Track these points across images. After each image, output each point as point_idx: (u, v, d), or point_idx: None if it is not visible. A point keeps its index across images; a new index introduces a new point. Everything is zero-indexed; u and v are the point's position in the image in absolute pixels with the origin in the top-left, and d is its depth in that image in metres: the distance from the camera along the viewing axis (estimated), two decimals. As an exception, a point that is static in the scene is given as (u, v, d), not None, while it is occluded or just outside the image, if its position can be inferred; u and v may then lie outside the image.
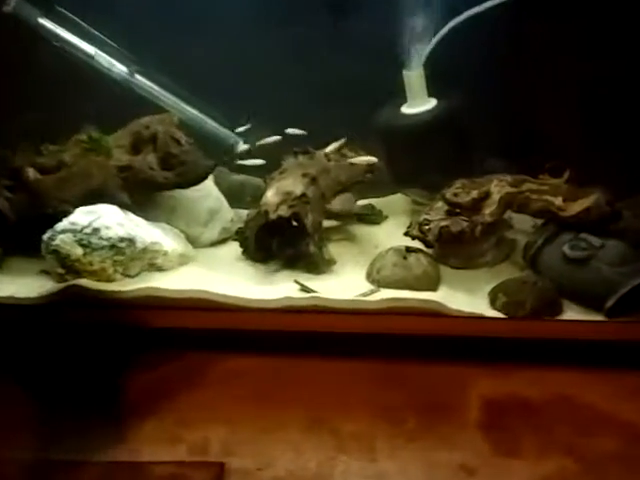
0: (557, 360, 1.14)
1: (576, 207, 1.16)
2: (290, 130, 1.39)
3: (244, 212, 1.42)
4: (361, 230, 1.47)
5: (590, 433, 1.05)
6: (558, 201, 1.19)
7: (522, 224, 1.36)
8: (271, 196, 1.25)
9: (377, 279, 1.25)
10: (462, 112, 1.40)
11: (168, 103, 1.51)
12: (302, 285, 1.24)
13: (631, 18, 1.32)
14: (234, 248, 1.38)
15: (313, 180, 1.31)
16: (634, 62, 1.33)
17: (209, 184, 1.45)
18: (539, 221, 1.29)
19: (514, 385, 1.14)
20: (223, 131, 1.53)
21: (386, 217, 1.50)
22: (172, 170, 1.32)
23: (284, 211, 1.24)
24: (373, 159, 1.35)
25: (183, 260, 1.33)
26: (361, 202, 1.54)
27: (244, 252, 1.36)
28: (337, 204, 1.41)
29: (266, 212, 1.25)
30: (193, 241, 1.40)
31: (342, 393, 1.14)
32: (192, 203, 1.41)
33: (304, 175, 1.31)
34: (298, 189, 1.27)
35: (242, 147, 1.48)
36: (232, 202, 1.49)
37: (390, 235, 1.42)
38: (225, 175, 1.53)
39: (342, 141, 1.37)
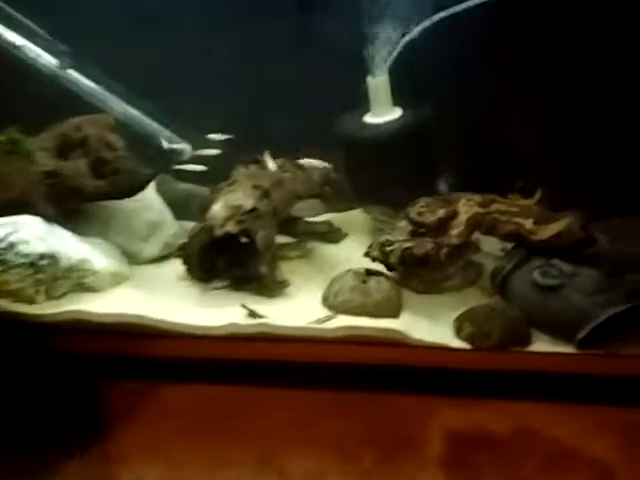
0: (524, 393, 1.08)
1: (548, 231, 1.10)
2: (212, 135, 1.28)
3: (190, 225, 1.30)
4: (318, 248, 1.37)
5: (556, 470, 1.00)
6: (529, 224, 1.12)
7: (490, 247, 1.29)
8: (218, 210, 1.14)
9: (334, 304, 1.16)
10: (429, 124, 1.33)
11: (105, 102, 1.37)
12: (250, 310, 1.14)
13: (602, 29, 1.27)
14: (177, 266, 1.27)
15: (265, 193, 1.22)
16: (610, 72, 1.28)
17: (150, 194, 1.33)
18: (509, 244, 1.22)
19: (479, 418, 1.08)
20: (168, 134, 1.41)
21: (345, 235, 1.40)
22: (104, 178, 1.20)
23: (232, 227, 1.14)
24: (325, 164, 1.26)
25: (117, 280, 1.22)
26: (318, 218, 1.44)
27: (188, 271, 1.25)
28: (302, 210, 1.33)
29: (211, 227, 1.15)
30: (131, 258, 1.28)
31: (292, 428, 1.07)
32: (130, 215, 1.29)
33: (255, 187, 1.22)
34: (248, 203, 1.17)
35: (185, 151, 1.36)
36: (177, 214, 1.37)
37: (349, 255, 1.33)
38: (170, 184, 1.41)
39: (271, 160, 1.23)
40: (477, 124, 1.35)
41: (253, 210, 1.16)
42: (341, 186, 1.37)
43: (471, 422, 1.07)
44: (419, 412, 1.08)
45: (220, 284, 1.20)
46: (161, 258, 1.32)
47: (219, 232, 1.12)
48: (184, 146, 1.38)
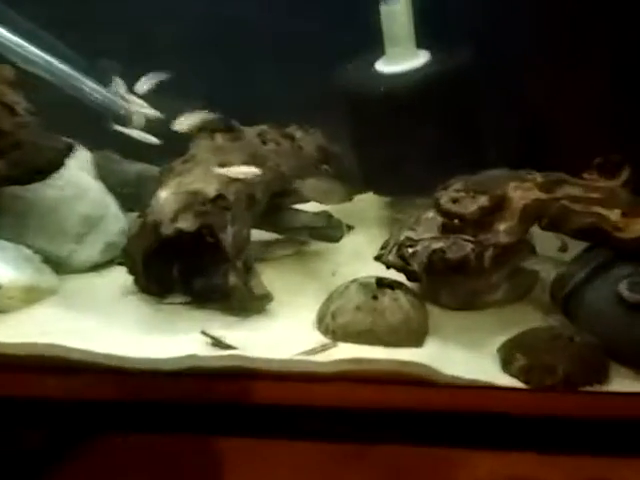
0: (600, 445, 0.80)
1: None
2: (135, 133, 0.97)
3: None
4: (312, 249, 1.07)
5: None
6: (614, 215, 0.81)
7: (544, 246, 0.98)
8: (166, 198, 0.84)
9: (333, 328, 0.87)
10: (467, 74, 0.99)
11: (26, 57, 1.05)
12: (213, 337, 0.85)
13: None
14: (123, 275, 0.98)
15: None
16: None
17: (84, 178, 1.03)
18: (571, 245, 0.92)
19: (524, 470, 0.83)
20: (111, 97, 1.09)
21: (350, 229, 1.08)
22: (1, 155, 0.88)
23: (188, 222, 0.84)
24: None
25: (33, 296, 0.93)
26: (310, 206, 1.11)
27: (135, 282, 0.95)
28: (311, 192, 1.02)
29: (157, 224, 0.85)
30: (59, 265, 1.00)
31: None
32: (55, 208, 1.00)
33: (222, 165, 0.91)
34: (211, 188, 0.87)
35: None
36: (125, 203, 1.07)
37: (355, 257, 1.04)
38: (114, 163, 1.09)
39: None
40: (536, 75, 1.02)
41: (218, 198, 0.86)
42: (344, 163, 1.07)
43: (513, 475, 0.84)
44: (450, 469, 0.86)
45: (177, 299, 0.91)
46: (102, 264, 1.02)
47: (167, 230, 0.82)
48: (152, 112, 1.04)
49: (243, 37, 1.09)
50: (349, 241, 1.10)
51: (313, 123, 1.04)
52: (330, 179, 1.04)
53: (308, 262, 1.06)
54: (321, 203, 1.07)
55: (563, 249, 0.97)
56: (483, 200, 0.86)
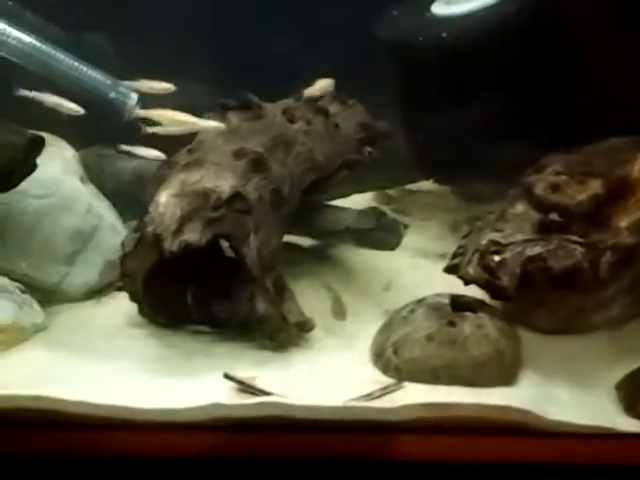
0: None
1: None
2: (124, 147, 0.79)
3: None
4: (362, 255, 0.87)
5: None
6: None
7: None
8: (167, 203, 0.67)
9: (396, 364, 0.70)
10: (553, 12, 0.75)
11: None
12: (241, 382, 0.68)
13: None
14: (128, 302, 0.80)
15: (258, 163, 0.73)
16: None
17: (70, 182, 0.85)
18: None
19: None
20: (108, 84, 0.90)
21: (406, 227, 0.88)
22: None
23: (196, 234, 0.67)
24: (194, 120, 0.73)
25: (16, 337, 0.77)
26: (351, 201, 0.93)
27: (140, 311, 0.77)
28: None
29: (157, 238, 0.68)
30: (48, 293, 0.83)
31: None
32: (37, 222, 0.84)
33: (239, 154, 0.73)
34: (225, 184, 0.70)
35: (132, 101, 0.87)
36: (126, 211, 0.89)
37: (413, 263, 0.86)
38: (107, 162, 0.91)
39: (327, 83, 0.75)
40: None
41: (234, 197, 0.68)
42: (394, 145, 0.88)
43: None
44: None
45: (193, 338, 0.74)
46: (101, 289, 0.85)
47: (171, 246, 0.65)
48: (132, 95, 0.90)
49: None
50: (404, 243, 0.89)
51: (353, 92, 0.84)
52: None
53: (353, 272, 0.88)
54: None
55: None
56: (595, 185, 0.66)
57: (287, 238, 0.87)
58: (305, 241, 0.91)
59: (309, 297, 0.82)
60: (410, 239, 0.90)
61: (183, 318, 0.77)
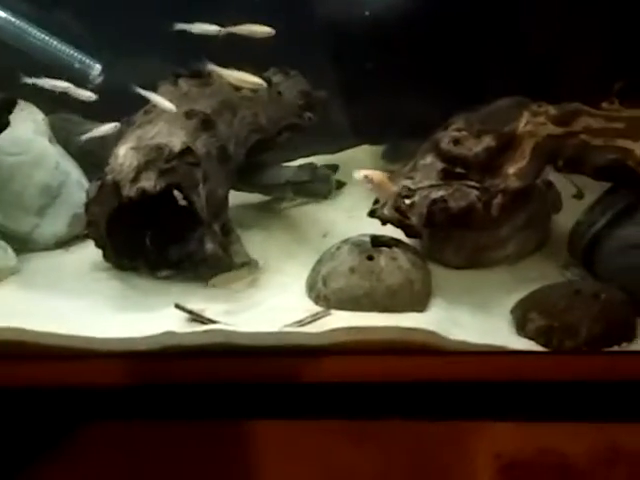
0: (629, 410, 0.73)
1: None
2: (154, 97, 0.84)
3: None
4: (304, 210, 0.99)
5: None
6: None
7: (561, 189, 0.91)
8: (125, 155, 0.76)
9: (325, 295, 0.80)
10: None
11: None
12: (190, 311, 0.78)
13: None
14: (93, 249, 0.90)
15: (206, 123, 0.82)
16: None
17: (40, 142, 0.94)
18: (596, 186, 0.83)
19: (549, 441, 0.76)
20: (71, 53, 0.97)
21: (342, 185, 1.00)
22: None
23: (151, 182, 0.76)
24: (259, 81, 0.82)
25: None
26: (298, 162, 1.04)
27: (104, 255, 0.87)
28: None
29: (116, 185, 0.77)
30: (20, 242, 0.92)
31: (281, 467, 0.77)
32: (11, 177, 0.92)
33: (189, 115, 0.82)
34: (176, 140, 0.79)
35: (96, 71, 0.93)
36: (91, 170, 0.96)
37: (348, 215, 0.96)
38: (73, 126, 0.99)
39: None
40: None
41: (185, 152, 0.77)
42: (330, 110, 0.98)
43: (536, 445, 0.77)
44: (461, 441, 0.77)
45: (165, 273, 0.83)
46: (70, 239, 0.94)
47: (129, 191, 0.74)
48: (96, 66, 0.96)
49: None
50: (341, 198, 1.02)
51: (294, 64, 0.94)
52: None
53: (296, 223, 0.99)
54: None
55: (579, 196, 0.89)
56: (489, 140, 0.78)
57: (238, 194, 0.96)
58: (255, 198, 1.00)
59: (255, 243, 0.91)
60: (345, 194, 1.01)
61: (143, 261, 0.85)
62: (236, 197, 0.96)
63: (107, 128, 0.87)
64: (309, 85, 0.95)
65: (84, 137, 0.90)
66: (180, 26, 0.86)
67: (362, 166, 1.04)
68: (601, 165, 0.77)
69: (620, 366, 0.77)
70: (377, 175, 0.75)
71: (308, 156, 1.06)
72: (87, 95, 0.87)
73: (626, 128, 0.77)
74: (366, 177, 0.75)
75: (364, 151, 1.07)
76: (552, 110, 0.79)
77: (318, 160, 1.06)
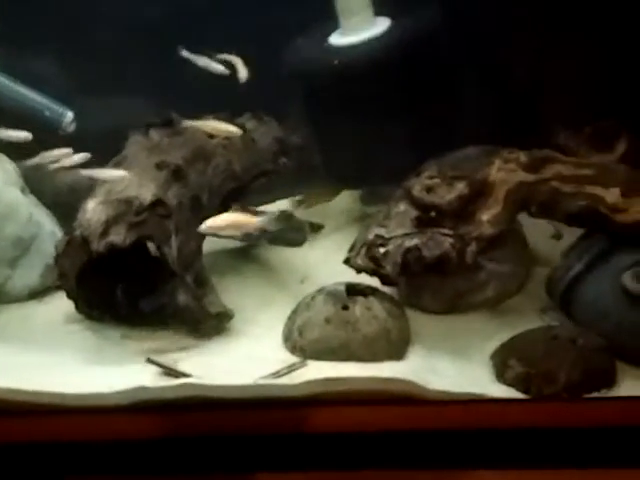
0: (609, 457, 0.73)
1: None
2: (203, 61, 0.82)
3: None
4: (280, 254, 0.97)
5: None
6: (612, 196, 0.73)
7: (537, 233, 0.90)
8: (94, 210, 0.76)
9: (301, 345, 0.79)
10: (435, 40, 0.88)
11: None
12: (162, 365, 0.76)
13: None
14: (66, 300, 0.88)
15: (178, 174, 0.82)
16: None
17: (11, 192, 0.92)
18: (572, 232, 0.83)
19: None
20: (41, 100, 0.96)
21: (320, 228, 1.00)
22: None
23: (120, 236, 0.75)
24: (235, 130, 0.82)
25: None
26: (272, 206, 1.02)
27: (76, 307, 0.85)
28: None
29: (85, 239, 0.76)
30: None
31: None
32: None
33: (160, 166, 0.82)
34: (147, 192, 0.79)
35: (67, 119, 0.91)
36: (64, 220, 0.94)
37: (326, 260, 0.95)
38: (49, 176, 0.96)
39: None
40: (514, 39, 0.90)
41: (156, 204, 0.77)
42: (306, 156, 0.98)
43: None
44: None
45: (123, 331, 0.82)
46: (43, 290, 0.92)
47: (98, 246, 0.74)
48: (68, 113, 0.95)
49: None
50: (319, 242, 1.01)
51: (269, 110, 0.94)
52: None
53: (274, 269, 0.97)
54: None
55: (557, 237, 0.89)
56: (461, 187, 0.77)
57: (215, 240, 0.92)
58: (232, 242, 0.97)
59: (232, 291, 0.89)
60: (324, 238, 1.00)
61: (115, 312, 0.84)
62: (214, 242, 0.94)
63: (78, 158, 0.82)
64: (284, 130, 0.94)
65: (29, 162, 0.86)
66: (185, 54, 0.84)
67: (341, 210, 1.07)
68: (573, 212, 0.77)
69: (599, 412, 0.76)
70: (223, 218, 0.73)
71: (287, 197, 1.05)
72: (23, 136, 0.83)
73: (596, 174, 0.77)
74: (210, 227, 0.72)
75: (343, 195, 1.05)
76: (523, 157, 0.78)
77: (294, 203, 1.05)
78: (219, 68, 0.85)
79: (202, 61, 0.85)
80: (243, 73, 0.84)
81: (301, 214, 1.02)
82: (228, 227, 0.74)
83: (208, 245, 0.95)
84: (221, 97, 0.92)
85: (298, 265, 0.96)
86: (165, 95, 1.00)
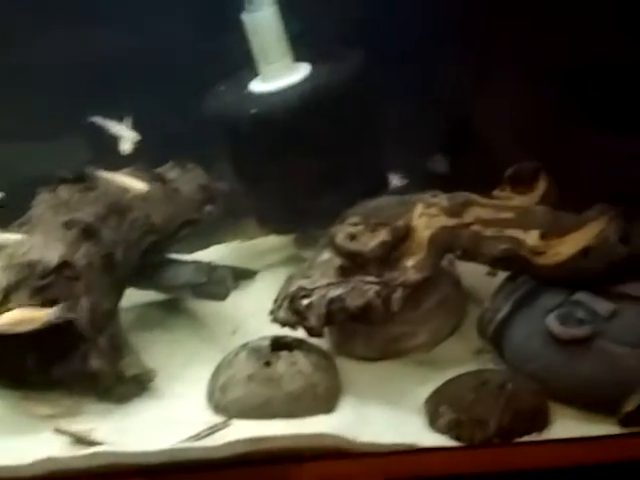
0: None
1: (565, 248, 0.71)
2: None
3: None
4: (211, 305, 0.91)
5: None
6: (531, 238, 0.72)
7: (473, 270, 0.87)
8: None
9: (224, 404, 0.75)
10: (356, 85, 0.86)
11: None
12: (71, 434, 0.72)
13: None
14: None
15: (88, 232, 0.78)
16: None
17: None
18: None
19: None
20: None
21: (254, 273, 0.96)
22: None
23: (22, 302, 0.70)
24: (141, 186, 0.80)
25: None
26: (206, 253, 0.98)
27: None
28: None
29: None
30: None
31: None
32: None
33: (69, 225, 0.78)
34: (53, 254, 0.74)
35: None
36: None
37: (259, 309, 0.86)
38: None
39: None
40: (440, 81, 0.91)
41: (62, 266, 0.73)
42: (236, 202, 0.95)
43: None
44: None
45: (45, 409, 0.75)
46: None
47: None
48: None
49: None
50: (253, 288, 0.98)
51: (194, 158, 0.92)
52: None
53: (204, 320, 0.92)
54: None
55: (492, 274, 0.86)
56: (384, 233, 0.76)
57: (137, 293, 0.91)
58: (159, 295, 0.94)
59: (159, 346, 0.85)
60: (257, 285, 0.97)
61: (26, 381, 0.78)
62: (142, 295, 0.91)
63: None
64: (209, 177, 0.91)
65: None
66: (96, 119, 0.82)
67: (275, 254, 1.04)
68: (495, 256, 0.75)
69: (531, 456, 0.73)
70: (9, 316, 0.69)
71: (219, 243, 1.02)
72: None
73: (515, 217, 0.76)
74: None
75: (274, 239, 1.02)
76: (444, 201, 0.77)
77: (227, 249, 1.03)
78: (131, 135, 0.81)
79: (114, 128, 0.82)
80: (127, 145, 0.81)
81: (233, 260, 1.00)
82: (15, 324, 0.69)
83: (136, 297, 0.90)
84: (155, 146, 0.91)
85: (230, 315, 0.92)
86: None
